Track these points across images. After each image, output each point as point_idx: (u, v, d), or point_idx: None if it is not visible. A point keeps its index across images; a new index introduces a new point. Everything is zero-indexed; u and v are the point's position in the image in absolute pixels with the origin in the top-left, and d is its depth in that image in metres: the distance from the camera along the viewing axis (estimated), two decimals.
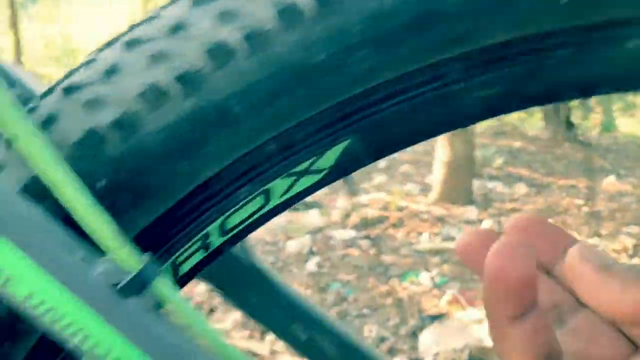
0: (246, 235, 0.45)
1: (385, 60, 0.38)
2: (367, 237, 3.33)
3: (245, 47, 0.36)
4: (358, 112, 0.41)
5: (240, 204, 0.42)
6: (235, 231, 0.44)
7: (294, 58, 0.36)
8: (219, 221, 0.42)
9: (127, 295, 0.35)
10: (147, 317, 0.35)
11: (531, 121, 6.84)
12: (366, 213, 3.62)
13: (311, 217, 3.50)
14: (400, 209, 3.72)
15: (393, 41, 0.37)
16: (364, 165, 0.44)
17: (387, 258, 3.08)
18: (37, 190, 0.35)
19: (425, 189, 4.14)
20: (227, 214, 0.42)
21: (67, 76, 0.39)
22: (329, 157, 0.42)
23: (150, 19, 0.39)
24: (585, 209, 3.94)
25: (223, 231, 0.43)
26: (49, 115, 0.37)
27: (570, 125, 5.97)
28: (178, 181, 0.39)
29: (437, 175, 3.86)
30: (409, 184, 4.31)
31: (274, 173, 0.42)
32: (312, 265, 2.97)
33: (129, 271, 0.35)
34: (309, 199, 0.55)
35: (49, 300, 0.34)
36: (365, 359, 0.64)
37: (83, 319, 0.34)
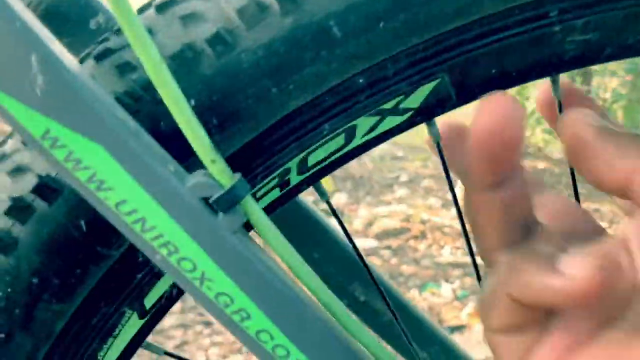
0: (322, 177, 0.44)
1: None
2: (388, 247, 3.31)
3: None
4: (453, 49, 0.39)
5: (323, 140, 0.41)
6: (313, 170, 0.42)
7: None
8: (300, 156, 0.41)
9: (216, 210, 0.34)
10: (234, 237, 0.34)
11: (556, 144, 6.78)
12: (388, 224, 3.59)
13: (333, 225, 3.48)
14: (423, 222, 3.69)
15: None
16: (449, 109, 0.42)
17: (408, 269, 3.05)
18: None
19: (448, 204, 4.10)
20: (310, 149, 0.41)
21: None
22: (417, 97, 0.41)
23: None
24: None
25: (302, 169, 0.42)
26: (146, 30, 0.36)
27: None
28: (266, 108, 0.38)
29: (460, 191, 3.83)
30: (431, 198, 4.28)
31: (361, 109, 0.40)
32: None
33: (220, 186, 0.34)
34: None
35: (140, 209, 0.33)
36: (419, 325, 0.63)
37: (172, 231, 0.33)
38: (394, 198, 4.27)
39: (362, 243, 3.28)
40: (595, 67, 3.45)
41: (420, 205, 4.03)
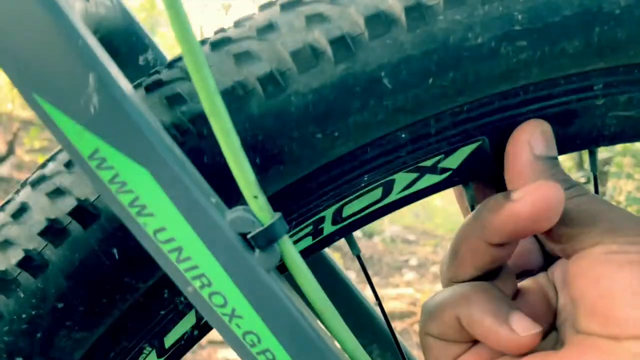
0: (355, 229, 0.43)
1: (542, 55, 0.37)
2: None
3: (406, 19, 0.36)
4: (497, 112, 0.40)
5: (361, 191, 0.41)
6: (347, 221, 0.42)
7: (454, 37, 0.36)
8: (336, 206, 0.41)
9: (254, 247, 0.33)
10: (268, 276, 0.34)
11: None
12: (394, 306, 3.54)
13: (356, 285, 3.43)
14: None
15: (555, 36, 0.36)
16: (486, 174, 0.42)
17: (411, 352, 2.98)
18: None
19: None
20: (346, 200, 0.41)
21: (216, 33, 0.39)
22: (456, 158, 0.41)
23: None
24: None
25: (337, 219, 0.42)
26: None
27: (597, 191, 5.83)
28: (309, 153, 0.38)
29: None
30: (439, 284, 4.23)
31: (401, 164, 0.40)
32: None
33: (260, 222, 0.33)
34: None
35: (178, 238, 0.32)
36: None
37: (208, 264, 0.33)
38: (402, 281, 4.23)
39: None
40: (612, 169, 3.45)
41: (427, 290, 3.99)
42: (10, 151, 3.70)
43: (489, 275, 0.38)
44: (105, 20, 0.44)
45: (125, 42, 0.48)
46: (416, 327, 3.34)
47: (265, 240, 0.33)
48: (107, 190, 0.32)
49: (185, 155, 0.34)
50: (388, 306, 3.52)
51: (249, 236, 0.33)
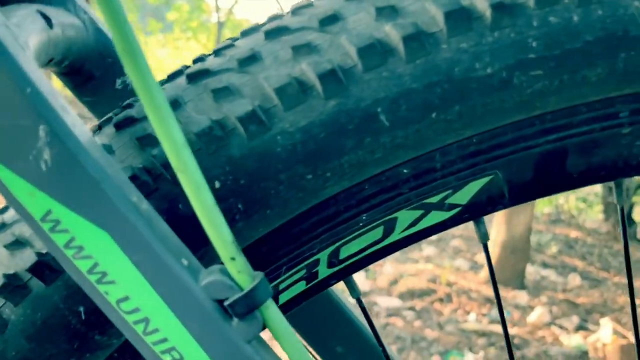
0: (354, 272, 0.39)
1: (560, 84, 0.32)
2: (412, 308, 3.23)
3: (405, 48, 0.31)
4: (511, 144, 0.35)
5: (359, 231, 0.37)
6: (345, 264, 0.38)
7: (459, 68, 0.31)
8: (332, 248, 0.37)
9: (232, 315, 0.29)
10: (248, 347, 0.30)
11: (590, 212, 6.66)
12: (413, 283, 3.52)
13: (357, 280, 3.42)
14: (449, 284, 3.61)
15: (575, 61, 0.32)
16: (500, 208, 0.38)
17: (431, 333, 2.96)
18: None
19: (476, 267, 4.02)
20: (343, 241, 0.37)
21: (195, 62, 0.35)
22: (466, 193, 0.37)
23: (301, 7, 0.34)
24: None
25: (333, 261, 0.38)
26: (173, 100, 0.33)
27: (630, 222, 5.78)
28: (298, 195, 0.34)
29: (490, 255, 3.74)
30: (460, 259, 4.20)
31: (403, 201, 0.36)
32: None
33: (238, 287, 0.29)
34: None
35: (144, 308, 0.29)
36: None
37: (178, 337, 0.29)
38: (422, 256, 4.19)
39: (385, 302, 3.21)
40: None
41: (447, 266, 3.95)
42: None
43: None
44: (75, 43, 0.40)
45: (99, 65, 0.44)
46: (436, 305, 3.32)
47: (244, 307, 0.29)
48: (63, 256, 0.28)
49: (153, 210, 0.30)
50: (407, 283, 3.49)
51: (226, 303, 0.29)
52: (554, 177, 0.37)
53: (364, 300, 3.15)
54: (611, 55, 0.32)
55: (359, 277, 3.44)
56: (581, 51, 0.31)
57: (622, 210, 0.40)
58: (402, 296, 3.35)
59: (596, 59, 0.32)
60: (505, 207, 0.38)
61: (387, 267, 3.71)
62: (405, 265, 3.88)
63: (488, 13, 0.31)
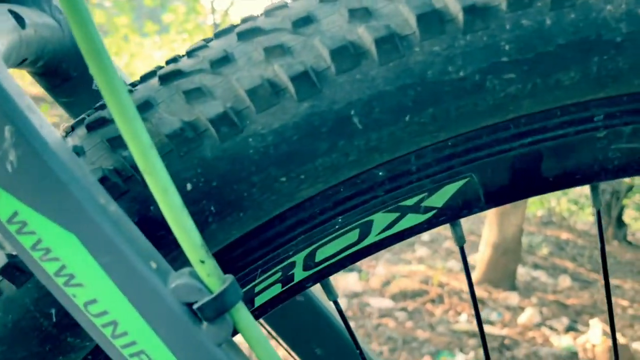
0: (330, 275, 0.39)
1: (534, 87, 0.32)
2: (404, 309, 3.23)
3: (377, 51, 0.31)
4: (486, 147, 0.35)
5: (335, 234, 0.37)
6: (321, 266, 0.38)
7: (432, 71, 0.31)
8: (307, 250, 0.37)
9: (201, 319, 0.29)
10: (219, 350, 0.30)
11: (581, 214, 6.68)
12: (406, 284, 3.52)
13: (349, 281, 3.42)
14: (441, 285, 3.61)
15: (548, 65, 0.31)
16: (475, 211, 0.38)
17: (423, 334, 2.96)
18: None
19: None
20: (319, 243, 0.37)
21: (167, 63, 0.35)
22: (441, 195, 0.37)
23: (275, 8, 0.34)
24: (630, 311, 3.77)
25: (309, 264, 0.38)
26: (145, 101, 0.33)
27: (621, 224, 5.80)
28: (272, 197, 0.34)
29: (481, 256, 3.75)
30: (452, 260, 4.20)
31: (379, 203, 0.36)
32: None
33: (208, 290, 0.29)
34: None
35: (112, 311, 0.28)
36: None
37: (147, 340, 0.29)
38: (414, 258, 4.19)
39: (378, 303, 3.21)
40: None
41: (440, 267, 3.96)
42: None
43: None
44: (50, 43, 0.39)
45: (76, 66, 0.43)
46: (428, 306, 3.32)
47: (214, 310, 0.29)
48: (31, 258, 0.28)
49: (122, 212, 0.30)
50: (399, 284, 3.49)
51: (195, 306, 0.29)
52: (530, 181, 0.37)
53: (356, 301, 3.15)
54: (584, 59, 0.32)
55: (351, 278, 3.44)
56: (554, 55, 0.31)
57: (598, 212, 0.40)
58: (394, 297, 3.35)
59: (569, 63, 0.32)
60: (481, 210, 0.38)
61: (379, 268, 3.71)
62: (397, 267, 3.88)
63: (460, 16, 0.31)
